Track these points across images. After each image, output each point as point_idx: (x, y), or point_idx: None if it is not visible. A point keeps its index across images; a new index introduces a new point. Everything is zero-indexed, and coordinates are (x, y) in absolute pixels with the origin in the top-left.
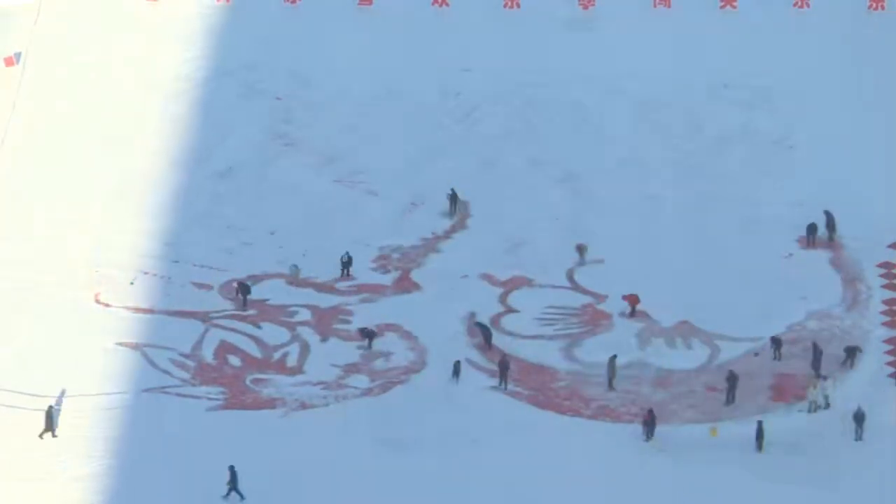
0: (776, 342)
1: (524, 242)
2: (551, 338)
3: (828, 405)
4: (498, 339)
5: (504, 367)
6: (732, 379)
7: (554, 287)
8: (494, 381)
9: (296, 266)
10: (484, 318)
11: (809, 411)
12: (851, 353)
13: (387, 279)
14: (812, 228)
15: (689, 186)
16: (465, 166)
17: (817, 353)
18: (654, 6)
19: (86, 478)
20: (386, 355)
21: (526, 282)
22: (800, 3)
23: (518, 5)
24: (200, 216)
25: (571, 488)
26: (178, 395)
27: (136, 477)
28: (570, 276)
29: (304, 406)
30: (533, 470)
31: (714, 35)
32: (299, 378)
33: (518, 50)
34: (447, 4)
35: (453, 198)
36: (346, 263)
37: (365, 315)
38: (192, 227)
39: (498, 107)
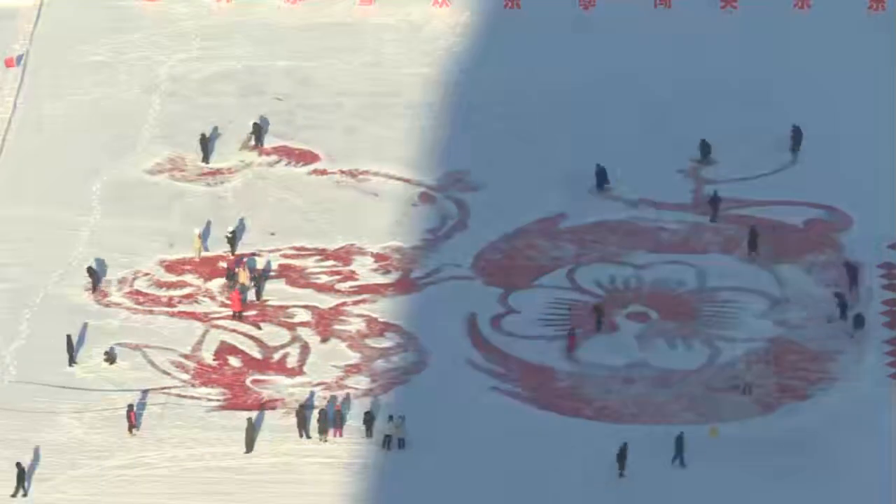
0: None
1: (524, 243)
2: (552, 338)
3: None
4: (498, 340)
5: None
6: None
7: (555, 287)
8: (495, 381)
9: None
10: (484, 319)
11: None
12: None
13: (387, 279)
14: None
15: (689, 187)
16: (464, 166)
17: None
18: (655, 6)
19: (86, 478)
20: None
21: (526, 282)
22: (800, 4)
23: (518, 6)
24: (200, 216)
25: (571, 488)
26: (178, 395)
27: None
28: (570, 277)
29: (304, 407)
30: (533, 470)
31: (714, 35)
32: (299, 379)
33: (518, 50)
34: (448, 5)
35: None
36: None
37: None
38: (192, 227)
39: (498, 107)
